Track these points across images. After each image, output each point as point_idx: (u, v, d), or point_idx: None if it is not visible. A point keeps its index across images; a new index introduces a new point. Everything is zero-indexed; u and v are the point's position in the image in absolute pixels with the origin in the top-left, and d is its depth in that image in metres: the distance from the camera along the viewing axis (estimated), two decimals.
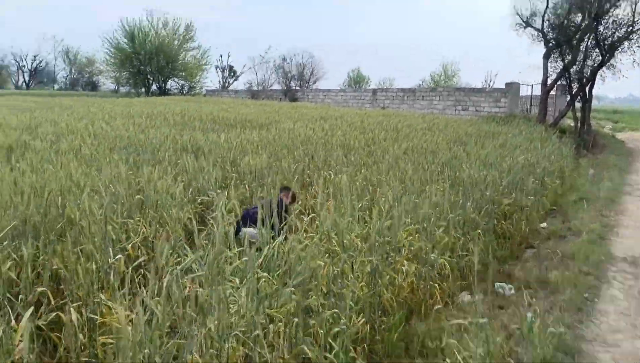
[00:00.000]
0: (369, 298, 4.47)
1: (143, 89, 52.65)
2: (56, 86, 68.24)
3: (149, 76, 53.08)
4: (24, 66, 66.07)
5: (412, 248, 5.24)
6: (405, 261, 5.00)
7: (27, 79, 66.97)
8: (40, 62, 67.01)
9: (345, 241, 4.69)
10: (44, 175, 5.16)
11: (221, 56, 57.76)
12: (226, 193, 5.43)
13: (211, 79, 67.76)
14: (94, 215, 3.49)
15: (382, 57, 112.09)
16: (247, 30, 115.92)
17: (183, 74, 53.89)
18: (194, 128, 12.33)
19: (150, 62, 51.11)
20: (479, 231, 6.14)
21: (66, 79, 67.86)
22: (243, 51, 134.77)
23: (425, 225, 5.43)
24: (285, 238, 4.54)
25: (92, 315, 2.75)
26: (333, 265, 4.19)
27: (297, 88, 45.68)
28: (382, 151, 8.91)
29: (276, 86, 49.45)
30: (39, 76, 69.51)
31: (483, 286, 5.93)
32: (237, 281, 3.69)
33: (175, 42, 53.14)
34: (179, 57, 53.12)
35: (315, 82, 53.05)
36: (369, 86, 60.23)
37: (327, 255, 4.33)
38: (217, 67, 57.36)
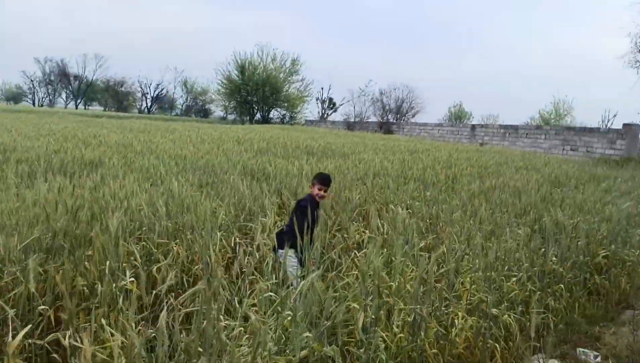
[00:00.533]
0: (410, 351, 3.85)
1: (248, 118, 55.53)
2: (174, 112, 74.60)
3: (254, 106, 55.99)
4: (147, 93, 73.33)
5: (472, 298, 4.51)
6: (460, 313, 4.29)
7: (149, 104, 74.02)
8: (162, 90, 73.94)
9: (393, 283, 4.14)
10: (98, 191, 5.24)
11: (322, 88, 59.54)
12: (269, 219, 5.15)
13: (311, 110, 69.81)
14: (110, 233, 3.35)
15: (487, 93, 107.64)
16: (348, 63, 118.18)
17: (285, 104, 56.14)
18: (275, 154, 12.39)
19: (257, 93, 53.95)
20: (561, 285, 5.20)
21: (182, 106, 73.91)
22: (343, 84, 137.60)
23: (491, 273, 4.68)
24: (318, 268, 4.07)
25: (74, 342, 2.51)
26: (366, 309, 3.66)
27: (393, 121, 45.27)
28: (460, 187, 8.15)
29: (373, 119, 49.51)
30: (160, 103, 76.58)
31: (563, 349, 4.98)
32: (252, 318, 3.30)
33: (281, 75, 55.70)
34: (283, 88, 55.53)
35: (414, 115, 52.40)
36: (471, 121, 58.09)
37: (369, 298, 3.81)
38: (317, 98, 59.11)
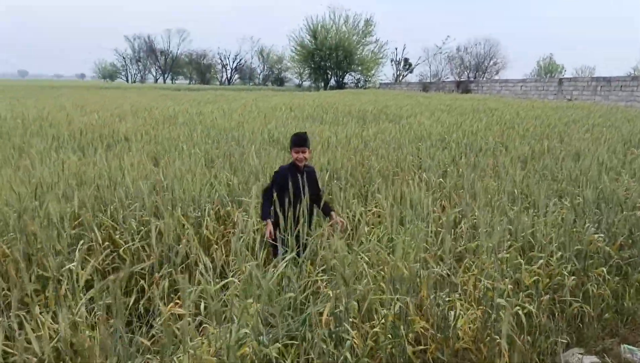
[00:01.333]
0: (388, 348, 3.34)
1: (322, 84, 55.09)
2: (253, 82, 76.05)
3: (328, 71, 55.31)
4: (227, 64, 75.20)
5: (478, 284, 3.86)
6: (458, 303, 3.67)
7: (229, 75, 75.98)
8: (240, 60, 75.39)
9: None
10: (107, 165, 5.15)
11: (396, 49, 57.24)
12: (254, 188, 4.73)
13: (385, 73, 67.69)
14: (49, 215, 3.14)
15: (583, 42, 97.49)
16: (424, 20, 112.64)
17: (359, 68, 54.82)
18: (322, 121, 11.92)
19: (330, 58, 53.13)
20: (603, 268, 4.33)
21: (260, 75, 75.06)
22: (419, 43, 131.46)
23: (508, 254, 3.97)
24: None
25: None
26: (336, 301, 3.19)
27: (472, 79, 42.52)
28: (508, 151, 7.21)
29: (451, 78, 46.89)
30: (241, 73, 78.34)
31: (606, 344, 4.20)
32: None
33: (354, 38, 54.27)
34: (357, 51, 54.15)
35: (497, 72, 48.87)
36: (564, 75, 53.09)
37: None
38: (392, 60, 57.01)
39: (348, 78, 56.12)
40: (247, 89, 49.72)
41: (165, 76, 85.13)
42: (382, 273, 3.58)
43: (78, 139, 7.35)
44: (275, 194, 3.63)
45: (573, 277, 4.22)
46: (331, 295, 3.16)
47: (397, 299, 3.38)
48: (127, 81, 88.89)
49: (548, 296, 3.98)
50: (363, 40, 54.97)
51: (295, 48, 55.56)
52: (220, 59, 74.79)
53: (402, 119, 12.02)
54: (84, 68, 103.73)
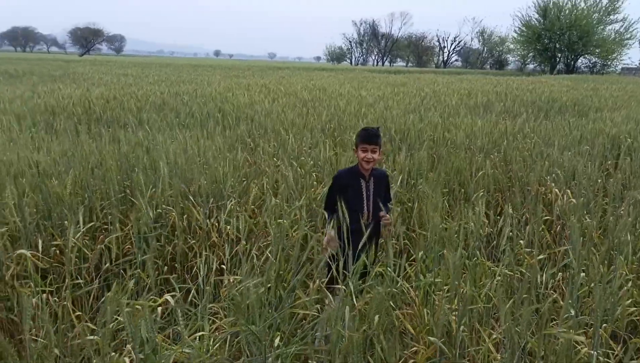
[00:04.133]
0: None
1: (548, 67, 49.07)
2: (469, 65, 72.11)
3: (557, 54, 48.89)
4: (445, 46, 72.81)
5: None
6: None
7: (445, 58, 73.60)
8: (459, 42, 72.17)
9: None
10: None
11: None
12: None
13: (630, 56, 56.16)
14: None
15: None
16: None
17: (597, 50, 46.91)
18: (457, 113, 10.36)
19: (560, 39, 46.81)
20: None
21: (477, 58, 70.74)
22: None
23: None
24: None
25: None
26: None
27: None
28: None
29: None
30: (459, 56, 75.19)
31: None
32: None
33: (595, 16, 46.49)
34: (596, 31, 46.35)
35: None
36: None
37: None
38: None
39: (581, 62, 48.68)
40: (461, 72, 47.27)
41: (385, 58, 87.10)
42: None
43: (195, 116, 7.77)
44: (340, 203, 2.84)
45: None
46: None
47: None
48: (351, 63, 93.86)
49: None
50: (605, 19, 46.73)
51: (520, 28, 50.47)
52: (439, 41, 72.88)
53: (598, 111, 9.62)
54: (320, 52, 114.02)
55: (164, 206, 4.01)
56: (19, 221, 3.49)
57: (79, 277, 3.32)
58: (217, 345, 2.55)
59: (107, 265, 3.44)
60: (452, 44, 72.43)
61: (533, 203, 4.16)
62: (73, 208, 3.68)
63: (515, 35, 51.82)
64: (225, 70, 32.43)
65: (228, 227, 3.72)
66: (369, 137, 3.11)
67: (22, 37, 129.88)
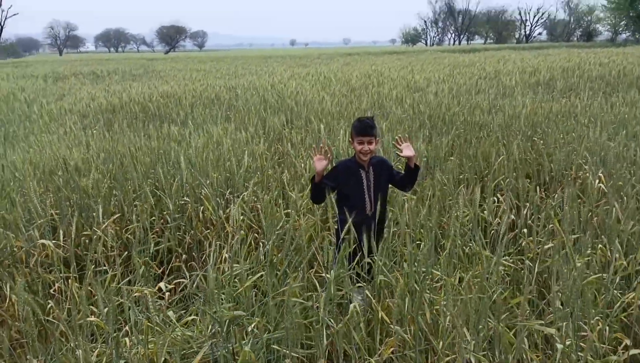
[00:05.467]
0: None
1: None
2: (553, 38, 67.21)
3: None
4: (527, 20, 68.34)
5: None
6: None
7: (527, 32, 69.15)
8: (542, 14, 67.41)
9: None
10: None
11: None
12: None
13: None
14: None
15: None
16: None
17: None
18: (511, 94, 9.74)
19: None
20: None
21: (564, 30, 65.70)
22: None
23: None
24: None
25: None
26: None
27: None
28: None
29: None
30: (545, 28, 70.32)
31: None
32: None
33: None
34: None
35: None
36: None
37: None
38: None
39: None
40: (543, 46, 44.28)
41: (462, 36, 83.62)
42: None
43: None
44: (331, 195, 2.99)
45: None
46: None
47: None
48: (426, 44, 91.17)
49: None
50: None
51: None
52: (520, 15, 68.48)
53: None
54: (395, 34, 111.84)
55: (184, 198, 4.33)
56: (56, 214, 3.96)
57: (105, 264, 3.71)
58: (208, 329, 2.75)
59: (126, 253, 3.80)
60: (534, 17, 67.79)
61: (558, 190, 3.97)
62: (102, 201, 4.10)
63: (604, 2, 47.51)
64: (295, 59, 32.95)
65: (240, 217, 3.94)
66: (363, 129, 3.11)
67: (114, 38, 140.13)
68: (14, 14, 51.19)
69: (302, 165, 4.83)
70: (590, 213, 3.54)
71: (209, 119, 7.41)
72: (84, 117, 7.91)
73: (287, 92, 9.77)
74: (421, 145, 4.83)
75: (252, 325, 2.72)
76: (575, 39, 60.99)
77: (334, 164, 3.39)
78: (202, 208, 4.22)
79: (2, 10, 49.75)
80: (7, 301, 3.08)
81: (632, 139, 5.20)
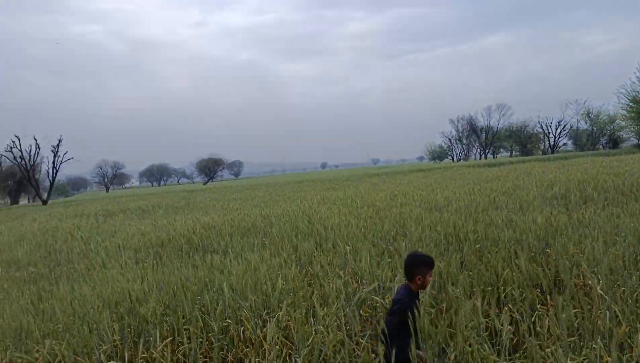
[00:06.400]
0: None
1: None
2: (578, 148, 68.43)
3: None
4: (549, 132, 70.51)
5: None
6: None
7: (551, 143, 70.88)
8: (564, 126, 69.61)
9: None
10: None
11: None
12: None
13: None
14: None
15: None
16: None
17: None
18: (528, 208, 10.27)
19: None
20: None
21: (588, 139, 67.17)
22: None
23: None
24: None
25: None
26: None
27: None
28: None
29: None
30: (568, 139, 72.05)
31: None
32: None
33: None
34: None
35: None
36: None
37: None
38: None
39: None
40: (569, 156, 45.19)
41: (487, 151, 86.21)
42: None
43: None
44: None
45: None
46: None
47: None
48: (453, 160, 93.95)
49: None
50: None
51: (628, 105, 47.86)
52: (542, 128, 71.07)
53: None
54: (422, 151, 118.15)
55: (227, 320, 4.93)
56: (119, 340, 4.61)
57: None
58: None
59: None
60: (557, 128, 70.17)
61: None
62: (158, 327, 4.75)
63: (622, 112, 49.13)
64: (325, 183, 34.62)
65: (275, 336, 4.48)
66: (432, 262, 3.67)
67: (157, 173, 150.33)
68: (69, 159, 56.12)
69: (331, 285, 5.42)
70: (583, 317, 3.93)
71: (246, 247, 8.21)
72: (136, 251, 8.86)
73: (316, 217, 10.64)
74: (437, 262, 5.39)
75: None
76: (600, 146, 62.18)
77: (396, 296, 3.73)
78: (242, 328, 4.79)
79: (58, 156, 54.95)
80: None
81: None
